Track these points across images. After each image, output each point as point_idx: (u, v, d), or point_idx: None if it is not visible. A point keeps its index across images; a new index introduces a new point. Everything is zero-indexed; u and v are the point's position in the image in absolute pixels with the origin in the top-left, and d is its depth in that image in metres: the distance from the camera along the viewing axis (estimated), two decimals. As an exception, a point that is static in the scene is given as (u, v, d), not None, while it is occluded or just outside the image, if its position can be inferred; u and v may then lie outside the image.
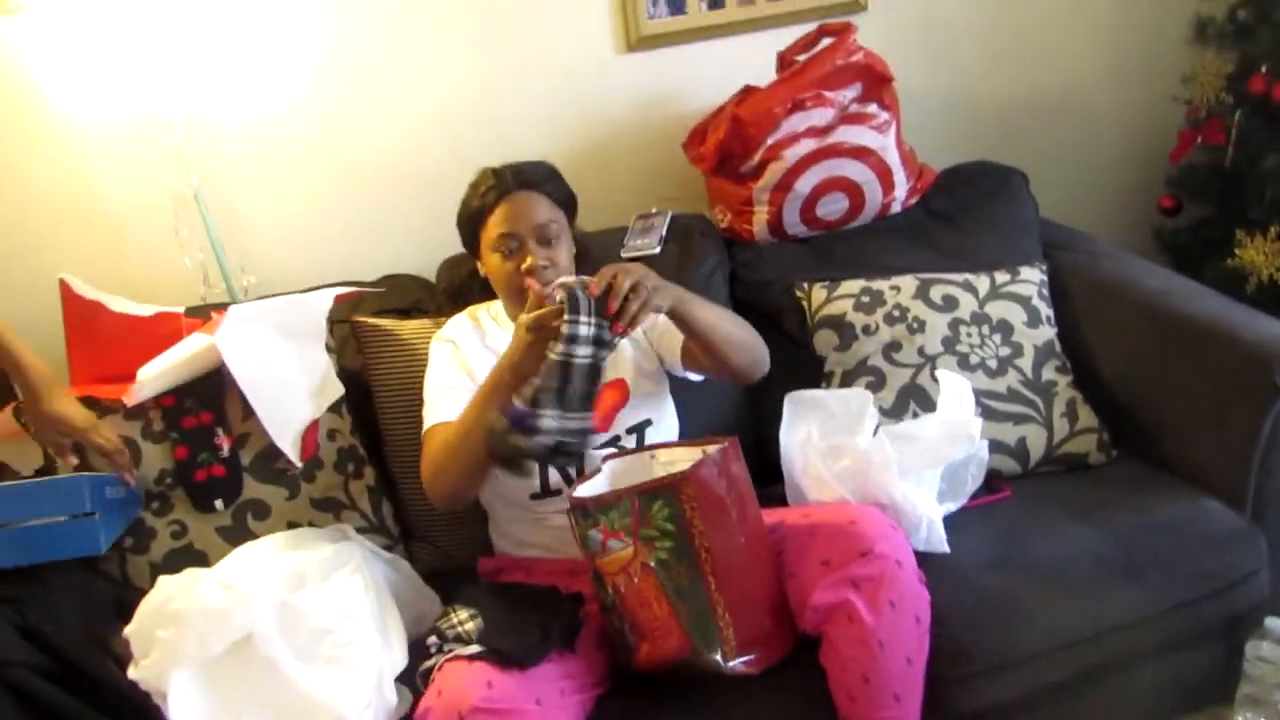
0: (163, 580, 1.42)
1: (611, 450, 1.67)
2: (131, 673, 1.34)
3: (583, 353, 1.40)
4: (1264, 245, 2.19)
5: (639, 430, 1.71)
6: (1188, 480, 1.72)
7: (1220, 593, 1.61)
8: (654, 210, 2.11)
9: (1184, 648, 1.70)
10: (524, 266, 1.63)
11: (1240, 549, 1.63)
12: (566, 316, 1.40)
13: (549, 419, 1.38)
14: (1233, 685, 1.75)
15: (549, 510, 1.66)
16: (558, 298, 1.42)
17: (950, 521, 1.60)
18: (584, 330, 1.40)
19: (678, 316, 1.52)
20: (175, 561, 1.64)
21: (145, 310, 1.77)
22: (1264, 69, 2.16)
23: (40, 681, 1.36)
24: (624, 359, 1.72)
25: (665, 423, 1.75)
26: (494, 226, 1.68)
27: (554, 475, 1.65)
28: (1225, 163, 2.29)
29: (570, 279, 1.45)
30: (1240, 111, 2.25)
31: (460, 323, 1.76)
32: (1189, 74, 2.37)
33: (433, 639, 1.46)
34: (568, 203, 1.76)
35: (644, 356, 1.75)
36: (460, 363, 1.68)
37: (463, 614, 1.49)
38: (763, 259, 2.10)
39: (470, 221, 1.73)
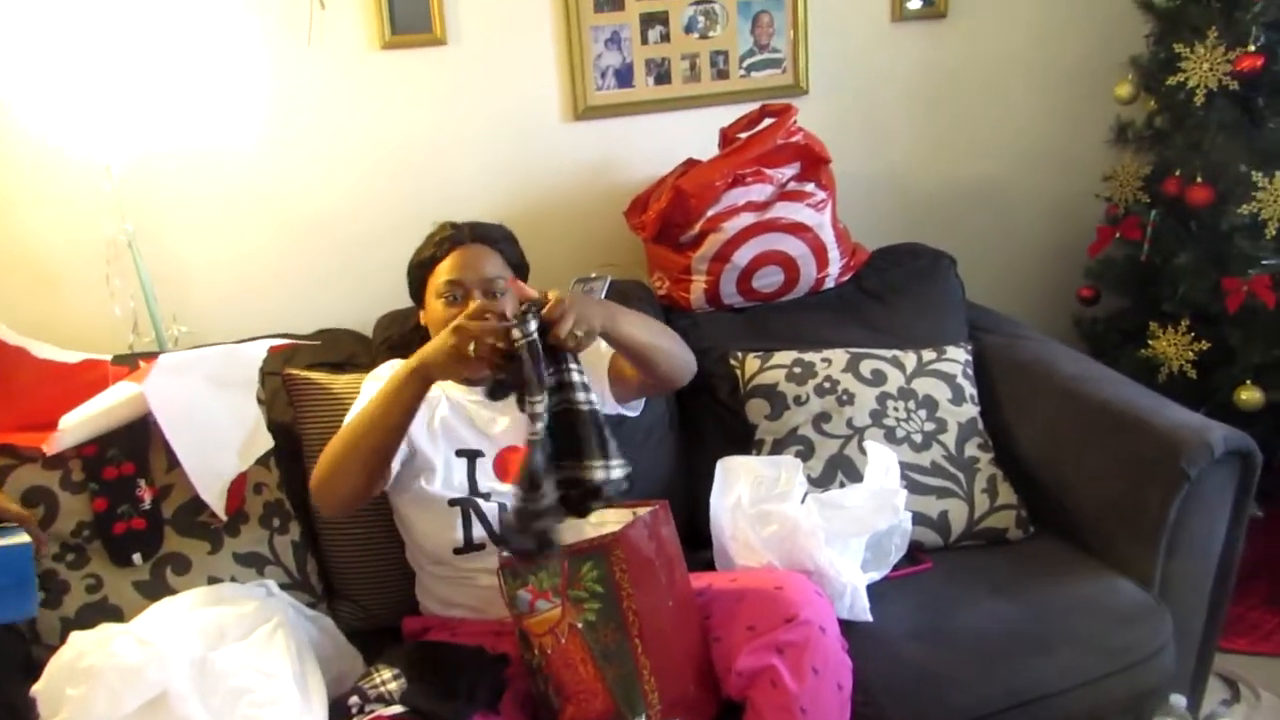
0: (75, 636, 1.37)
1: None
2: (36, 733, 1.30)
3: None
4: (1175, 338, 2.30)
5: None
6: (1100, 558, 1.78)
7: (1128, 669, 1.65)
8: (594, 274, 2.14)
9: (1092, 722, 1.74)
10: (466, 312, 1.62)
11: (1148, 626, 1.68)
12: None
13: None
14: (1139, 760, 1.79)
15: (474, 568, 1.65)
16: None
17: (873, 591, 1.64)
18: (540, 408, 1.40)
19: (608, 336, 1.53)
20: (89, 617, 1.58)
21: (71, 357, 1.73)
22: (1177, 173, 2.28)
23: (-62, 740, 1.30)
24: None
25: None
26: (442, 273, 1.70)
27: (477, 530, 1.64)
28: (1141, 258, 2.40)
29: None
30: (1155, 211, 2.36)
31: (395, 364, 1.76)
32: (1109, 173, 2.49)
33: (354, 699, 1.43)
34: (519, 267, 1.79)
35: None
36: None
37: (386, 674, 1.46)
38: (699, 327, 2.14)
39: (420, 268, 1.75)
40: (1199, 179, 2.22)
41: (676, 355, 1.68)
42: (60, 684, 1.30)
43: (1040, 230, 2.69)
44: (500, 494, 1.66)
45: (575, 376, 1.43)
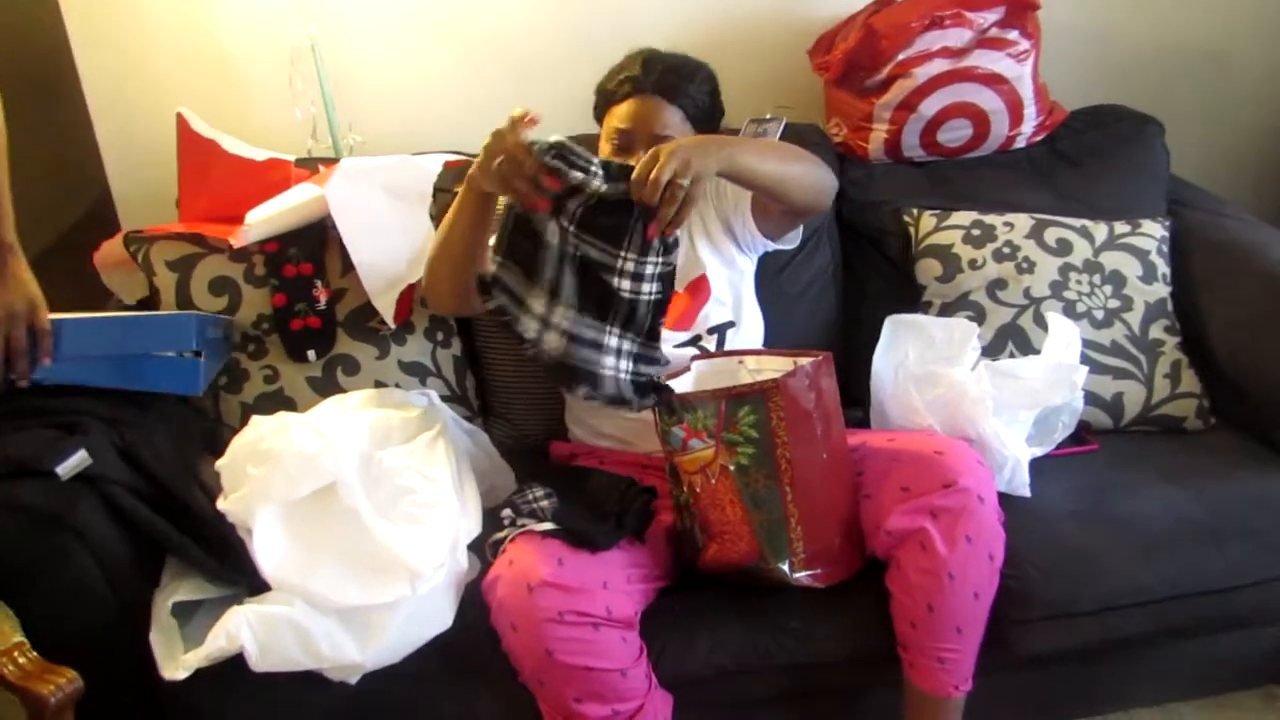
0: (256, 419, 1.44)
1: (696, 351, 1.66)
2: (220, 504, 1.37)
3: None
4: (1401, 232, 2.07)
5: (720, 331, 1.70)
6: (1286, 457, 1.66)
7: (1304, 574, 1.56)
8: (769, 115, 2.05)
9: (1254, 623, 1.67)
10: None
11: (1331, 532, 1.57)
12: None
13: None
14: (1294, 667, 1.73)
15: None
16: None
17: (1034, 466, 1.57)
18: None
19: (731, 176, 1.46)
20: (265, 404, 1.67)
21: (258, 154, 1.78)
22: None
23: (133, 499, 1.39)
24: (701, 256, 1.70)
25: (749, 327, 1.74)
26: (615, 117, 1.67)
27: None
28: (1375, 139, 2.17)
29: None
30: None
31: None
32: (1352, 41, 2.23)
33: (507, 512, 1.48)
34: (704, 117, 1.70)
35: (720, 246, 1.72)
36: None
37: (539, 491, 1.50)
38: (874, 179, 2.04)
39: (601, 98, 1.73)
40: None
41: (810, 179, 1.58)
42: (242, 462, 1.37)
43: (1263, 102, 2.44)
44: None
45: (648, 269, 1.37)
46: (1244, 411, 1.76)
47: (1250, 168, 2.46)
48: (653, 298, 1.39)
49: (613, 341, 1.40)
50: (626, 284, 1.37)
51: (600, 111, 1.72)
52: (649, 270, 1.37)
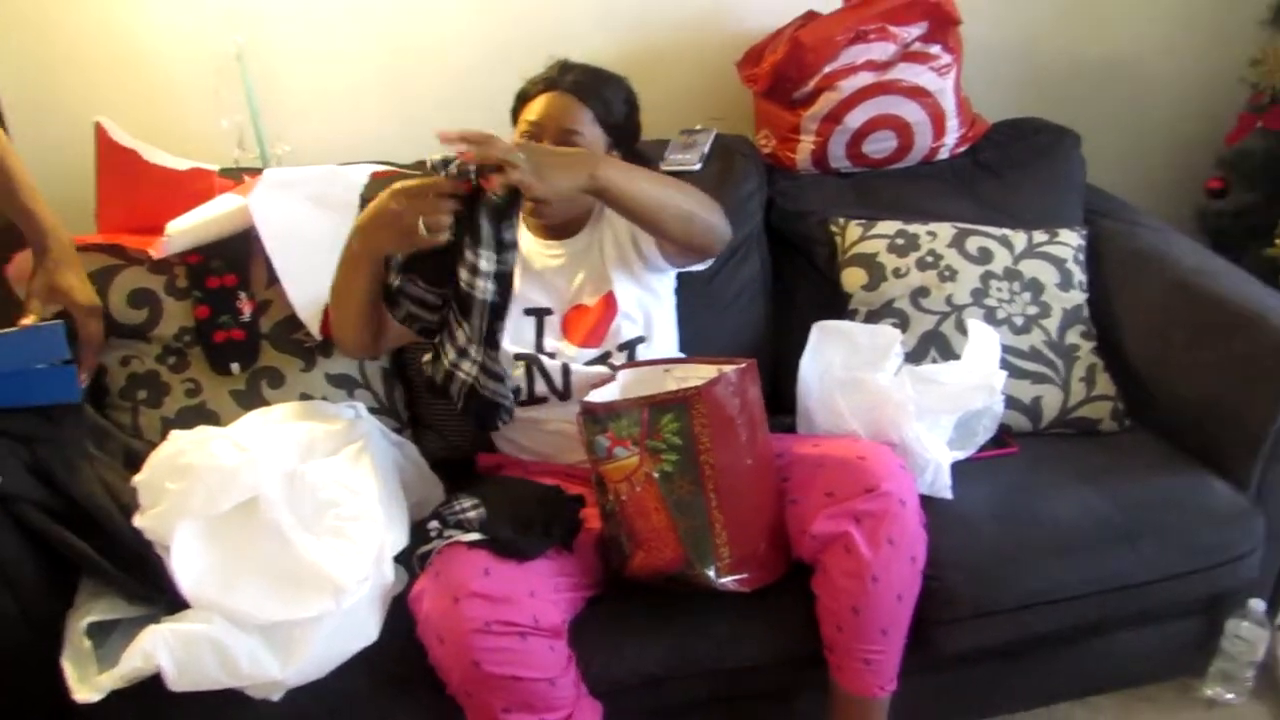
0: (175, 434, 1.42)
1: (606, 369, 1.65)
2: (137, 520, 1.35)
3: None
4: (1306, 238, 2.15)
5: (630, 348, 1.68)
6: (1196, 457, 1.71)
7: (1212, 569, 1.62)
8: (699, 127, 2.08)
9: (1166, 618, 1.72)
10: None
11: (1239, 529, 1.63)
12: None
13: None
14: (1207, 659, 1.79)
15: (542, 416, 1.66)
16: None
17: (956, 470, 1.61)
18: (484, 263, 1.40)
19: (598, 195, 1.45)
20: (187, 419, 1.64)
21: (180, 164, 1.75)
22: (1335, 58, 2.11)
23: (45, 517, 1.36)
24: (610, 272, 1.70)
25: (660, 340, 1.73)
26: (527, 113, 1.68)
27: (540, 385, 1.63)
28: (1281, 150, 2.25)
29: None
30: (1306, 101, 2.20)
31: None
32: (1259, 56, 2.30)
33: (434, 523, 1.47)
34: (616, 129, 1.71)
35: (629, 263, 1.72)
36: None
37: (466, 502, 1.49)
38: (802, 189, 2.07)
39: (517, 101, 1.74)
40: (1360, 67, 2.05)
41: (695, 221, 1.56)
42: (161, 477, 1.35)
43: (1175, 113, 2.52)
44: (565, 355, 1.66)
45: (483, 263, 1.40)
46: (1156, 413, 1.81)
47: (1164, 177, 2.54)
48: (489, 299, 1.43)
49: (460, 337, 1.47)
50: (464, 274, 1.41)
51: (515, 113, 1.73)
52: (483, 265, 1.40)
